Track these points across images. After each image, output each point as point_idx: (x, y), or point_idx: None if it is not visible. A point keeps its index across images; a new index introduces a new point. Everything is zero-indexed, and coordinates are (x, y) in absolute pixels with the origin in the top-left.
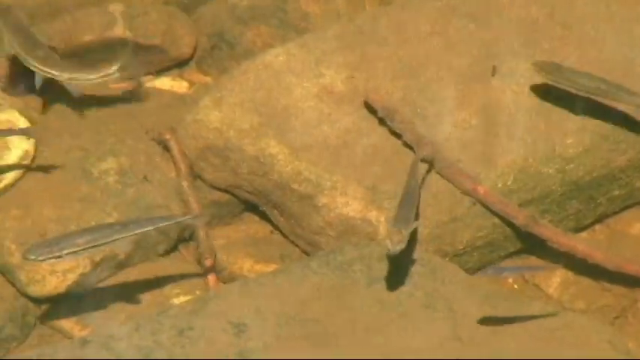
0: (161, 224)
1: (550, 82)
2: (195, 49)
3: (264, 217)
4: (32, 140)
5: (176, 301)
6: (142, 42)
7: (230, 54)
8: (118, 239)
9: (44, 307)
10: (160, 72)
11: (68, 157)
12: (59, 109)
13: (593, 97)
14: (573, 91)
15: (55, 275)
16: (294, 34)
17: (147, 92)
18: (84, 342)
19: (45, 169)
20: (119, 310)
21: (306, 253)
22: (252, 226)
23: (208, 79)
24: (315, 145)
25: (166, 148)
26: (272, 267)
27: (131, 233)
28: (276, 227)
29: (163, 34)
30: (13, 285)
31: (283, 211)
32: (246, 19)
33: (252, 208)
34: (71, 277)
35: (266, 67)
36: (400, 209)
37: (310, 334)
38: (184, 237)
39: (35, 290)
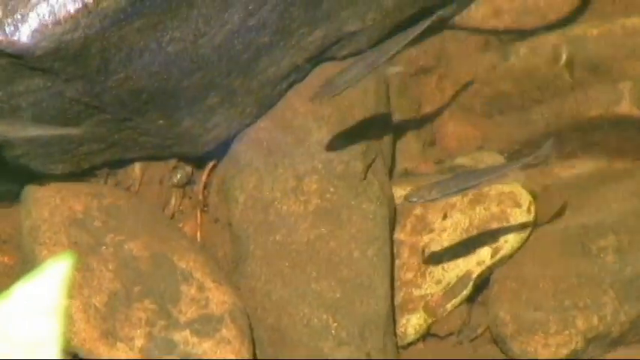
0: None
1: None
2: None
3: None
4: (533, 214)
5: None
6: None
7: None
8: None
9: None
10: None
11: (566, 233)
12: None
13: None
14: None
15: (547, 348)
16: None
17: None
18: None
19: (543, 242)
20: None
21: None
22: None
23: None
24: None
25: None
26: None
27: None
28: None
29: None
30: (505, 354)
31: None
32: None
33: None
34: (562, 352)
35: None
36: None
37: None
38: None
39: None
